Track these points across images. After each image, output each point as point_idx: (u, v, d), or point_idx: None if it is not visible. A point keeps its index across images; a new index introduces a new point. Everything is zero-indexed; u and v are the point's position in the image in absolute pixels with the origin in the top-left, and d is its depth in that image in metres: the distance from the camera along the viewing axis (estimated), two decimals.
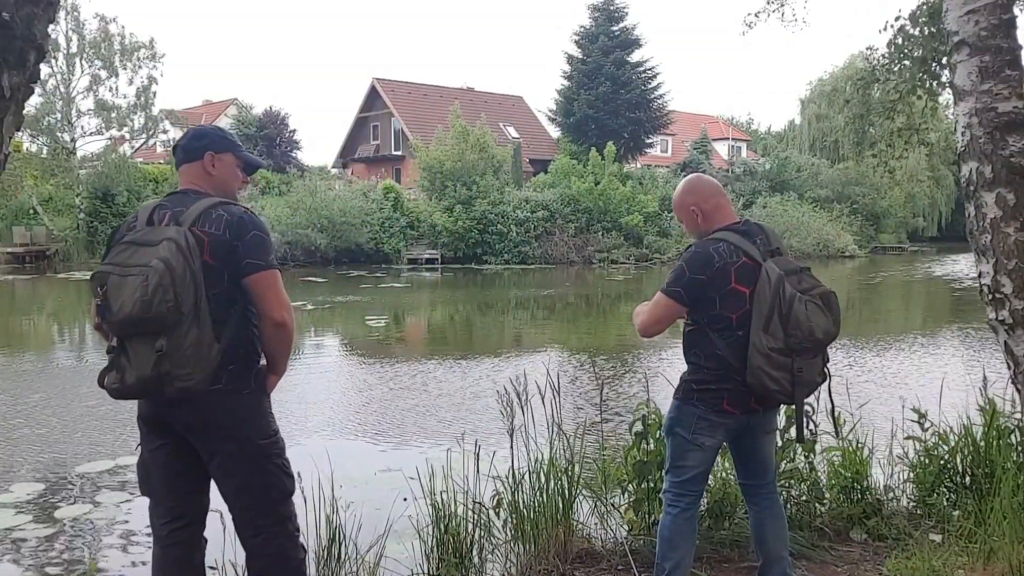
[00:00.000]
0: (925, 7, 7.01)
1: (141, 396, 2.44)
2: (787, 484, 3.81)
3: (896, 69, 7.65)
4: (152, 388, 2.34)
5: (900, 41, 7.32)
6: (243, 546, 2.58)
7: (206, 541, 2.67)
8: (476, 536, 3.44)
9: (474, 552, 3.42)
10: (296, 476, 3.20)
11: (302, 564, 2.62)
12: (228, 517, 2.61)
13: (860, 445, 4.01)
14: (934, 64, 7.25)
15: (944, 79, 7.40)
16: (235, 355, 2.45)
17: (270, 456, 2.54)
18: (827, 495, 3.94)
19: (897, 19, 7.32)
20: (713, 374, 2.79)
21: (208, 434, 2.48)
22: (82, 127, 31.21)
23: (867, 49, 8.13)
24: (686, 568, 2.93)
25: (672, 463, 2.95)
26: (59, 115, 30.45)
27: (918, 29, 7.17)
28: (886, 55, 7.65)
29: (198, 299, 2.33)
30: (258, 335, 2.53)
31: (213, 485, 2.60)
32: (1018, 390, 3.57)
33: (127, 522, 4.96)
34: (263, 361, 2.58)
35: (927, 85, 7.52)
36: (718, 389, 2.78)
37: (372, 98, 43.61)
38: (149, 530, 2.69)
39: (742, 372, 2.71)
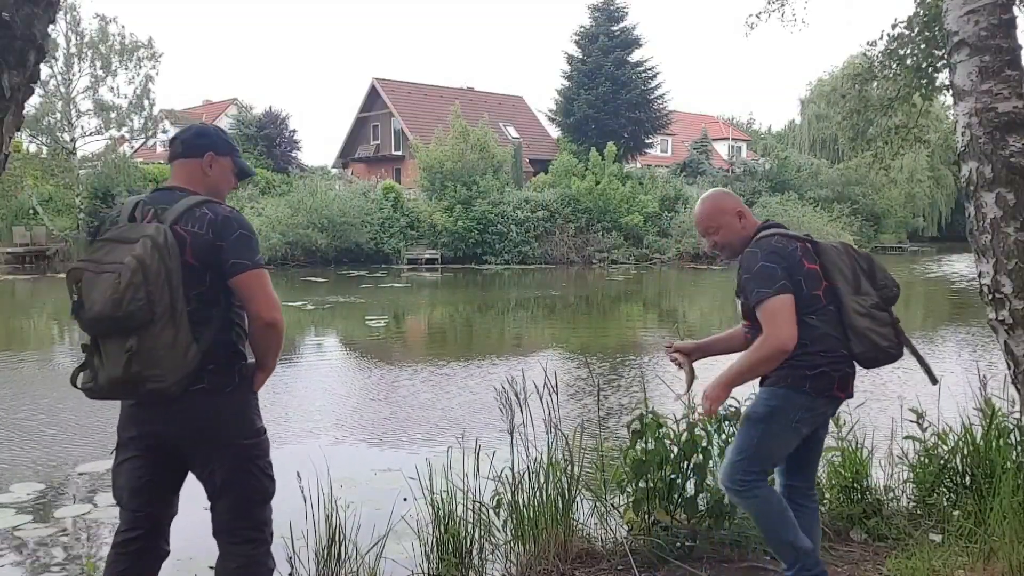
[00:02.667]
0: (921, 16, 7.03)
1: (115, 397, 2.39)
2: None
3: (894, 67, 7.68)
4: (124, 389, 2.30)
5: (895, 47, 7.37)
6: (219, 547, 2.52)
7: (166, 552, 2.58)
8: (476, 536, 3.44)
9: (474, 552, 3.42)
10: (296, 476, 3.19)
11: (270, 574, 2.54)
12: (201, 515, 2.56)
13: (860, 445, 4.01)
14: (930, 70, 7.30)
15: (941, 82, 7.45)
16: (216, 356, 2.38)
17: (253, 457, 2.46)
18: (827, 495, 3.95)
19: (894, 27, 7.36)
20: (826, 357, 2.76)
21: (193, 435, 2.42)
22: (82, 127, 31.32)
23: (867, 44, 8.15)
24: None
25: (757, 451, 2.82)
26: (59, 115, 30.49)
27: (916, 30, 7.19)
28: (884, 52, 7.69)
29: (174, 299, 2.26)
30: (241, 336, 2.46)
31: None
32: (1018, 390, 3.57)
33: None
34: (251, 358, 2.50)
35: (923, 90, 7.58)
36: (831, 373, 2.77)
37: (372, 98, 43.57)
38: None
39: (848, 346, 2.76)
